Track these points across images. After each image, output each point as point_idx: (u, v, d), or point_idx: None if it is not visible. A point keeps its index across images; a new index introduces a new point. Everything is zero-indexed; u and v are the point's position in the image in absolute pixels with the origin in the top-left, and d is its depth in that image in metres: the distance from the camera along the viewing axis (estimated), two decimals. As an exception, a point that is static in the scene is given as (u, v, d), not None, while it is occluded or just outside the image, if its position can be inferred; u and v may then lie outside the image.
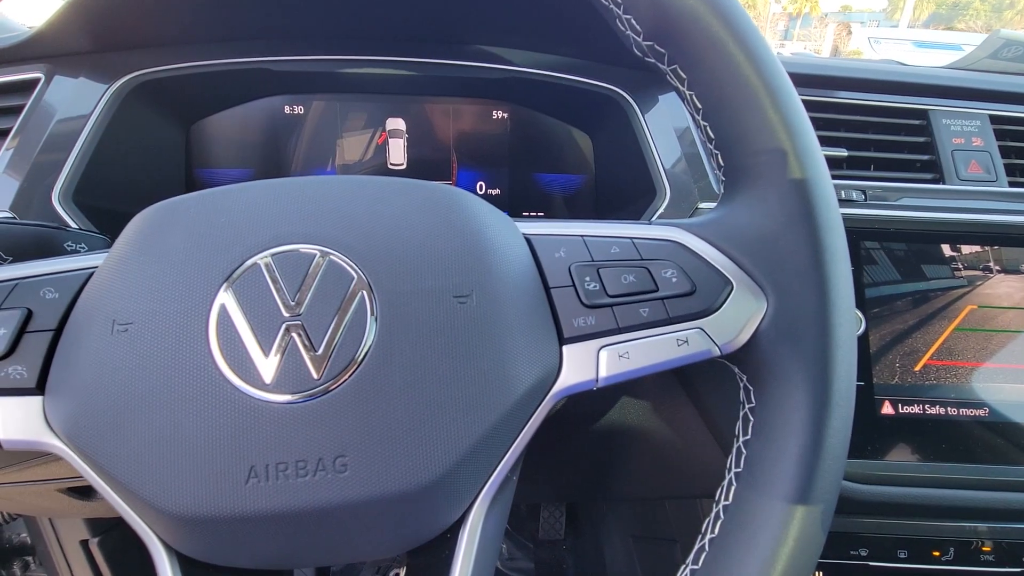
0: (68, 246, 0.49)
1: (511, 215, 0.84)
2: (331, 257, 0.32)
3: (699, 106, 0.38)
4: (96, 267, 0.35)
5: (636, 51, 0.39)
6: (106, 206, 0.64)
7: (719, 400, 0.59)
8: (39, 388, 0.32)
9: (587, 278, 0.36)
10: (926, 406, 0.62)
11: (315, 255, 0.32)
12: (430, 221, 0.34)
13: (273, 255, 0.32)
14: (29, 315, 0.33)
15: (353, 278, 0.32)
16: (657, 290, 0.35)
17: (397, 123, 0.78)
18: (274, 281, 0.31)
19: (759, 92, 0.34)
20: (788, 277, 0.34)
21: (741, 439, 0.36)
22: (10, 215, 0.57)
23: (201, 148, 0.76)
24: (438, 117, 0.78)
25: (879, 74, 0.72)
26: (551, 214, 0.82)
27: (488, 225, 0.36)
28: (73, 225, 0.59)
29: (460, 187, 0.83)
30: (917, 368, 0.62)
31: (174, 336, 0.30)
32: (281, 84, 0.73)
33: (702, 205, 0.64)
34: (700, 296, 0.35)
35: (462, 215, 0.35)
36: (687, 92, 0.38)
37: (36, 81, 0.62)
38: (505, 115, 0.79)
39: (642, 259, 0.36)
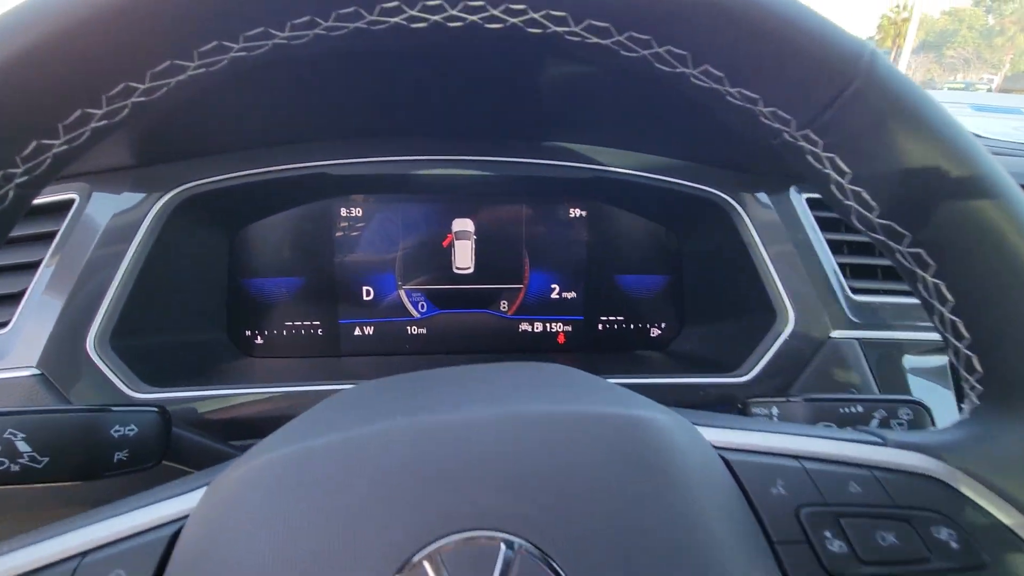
0: (116, 431, 0.40)
1: (586, 319, 0.76)
2: (524, 553, 0.23)
3: (949, 298, 0.29)
4: (175, 520, 0.27)
5: (858, 223, 0.31)
6: (146, 343, 0.56)
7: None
8: None
9: (826, 532, 0.27)
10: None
11: (500, 548, 0.23)
12: (635, 485, 0.26)
13: (443, 550, 0.23)
14: None
15: (549, 579, 0.23)
16: (929, 560, 0.26)
17: (464, 224, 0.70)
18: None
19: None
20: None
21: None
22: (39, 372, 0.48)
23: (247, 256, 0.68)
24: (510, 217, 0.71)
25: None
26: (631, 317, 0.74)
27: (702, 484, 0.27)
28: (108, 372, 0.51)
29: (532, 291, 0.75)
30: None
31: None
32: (339, 187, 0.66)
33: (835, 334, 0.56)
34: (994, 571, 0.26)
35: (672, 473, 0.27)
36: (932, 280, 0.30)
37: (70, 203, 0.54)
38: (583, 214, 0.71)
39: (897, 506, 0.28)
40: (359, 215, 0.69)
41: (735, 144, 0.59)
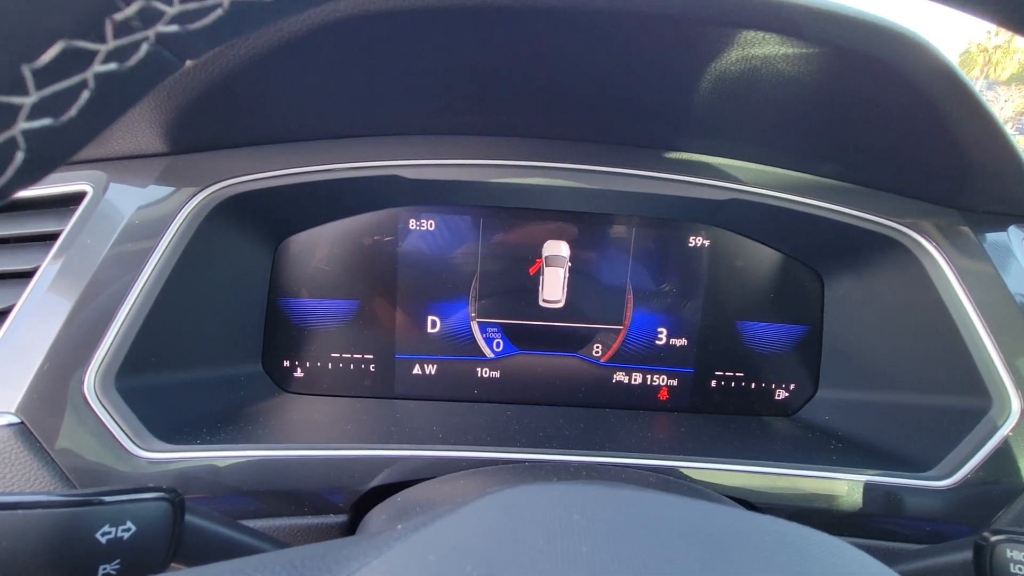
0: (104, 535, 0.28)
1: (697, 373, 0.62)
2: None
3: None
4: None
5: None
6: (161, 382, 0.43)
7: None
8: None
9: None
10: None
11: None
12: None
13: None
14: None
15: None
16: None
17: (558, 247, 0.57)
18: None
19: None
20: None
21: None
22: (17, 420, 0.36)
23: (290, 272, 0.55)
24: (614, 242, 0.57)
25: None
26: (752, 374, 0.59)
27: None
28: (109, 422, 0.38)
29: (633, 335, 0.61)
30: None
31: None
32: (412, 193, 0.53)
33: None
34: None
35: None
36: None
37: (80, 197, 0.42)
38: (706, 243, 0.57)
39: None
40: (431, 228, 0.56)
41: (943, 169, 0.45)
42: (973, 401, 0.44)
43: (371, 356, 0.58)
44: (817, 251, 0.56)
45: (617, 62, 0.40)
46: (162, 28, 0.15)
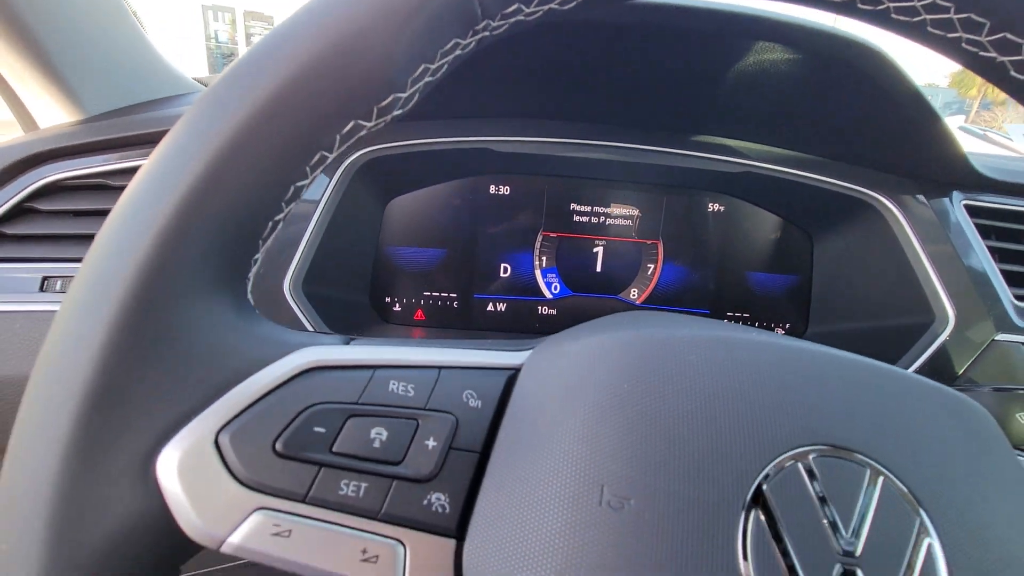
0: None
1: (712, 313, 0.77)
2: (885, 478, 0.24)
3: None
4: (513, 368, 0.28)
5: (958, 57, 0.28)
6: (325, 293, 0.58)
7: None
8: (459, 532, 0.24)
9: None
10: None
11: (866, 471, 0.24)
12: (988, 457, 0.26)
13: (816, 458, 0.24)
14: (455, 426, 0.26)
15: (915, 520, 0.23)
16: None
17: (605, 210, 0.72)
18: (820, 496, 0.23)
19: None
20: None
21: None
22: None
23: (395, 225, 0.70)
24: (648, 206, 0.72)
25: None
26: (756, 314, 0.75)
27: None
28: (299, 314, 0.53)
29: (663, 281, 0.77)
30: None
31: (699, 537, 0.22)
32: (495, 164, 0.68)
33: (1000, 337, 0.56)
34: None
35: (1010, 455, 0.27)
36: None
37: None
38: (722, 208, 0.73)
39: None
40: (507, 193, 0.71)
41: (900, 147, 0.60)
42: (922, 318, 0.60)
43: (455, 295, 0.73)
44: (807, 214, 0.71)
45: (665, 66, 0.56)
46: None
